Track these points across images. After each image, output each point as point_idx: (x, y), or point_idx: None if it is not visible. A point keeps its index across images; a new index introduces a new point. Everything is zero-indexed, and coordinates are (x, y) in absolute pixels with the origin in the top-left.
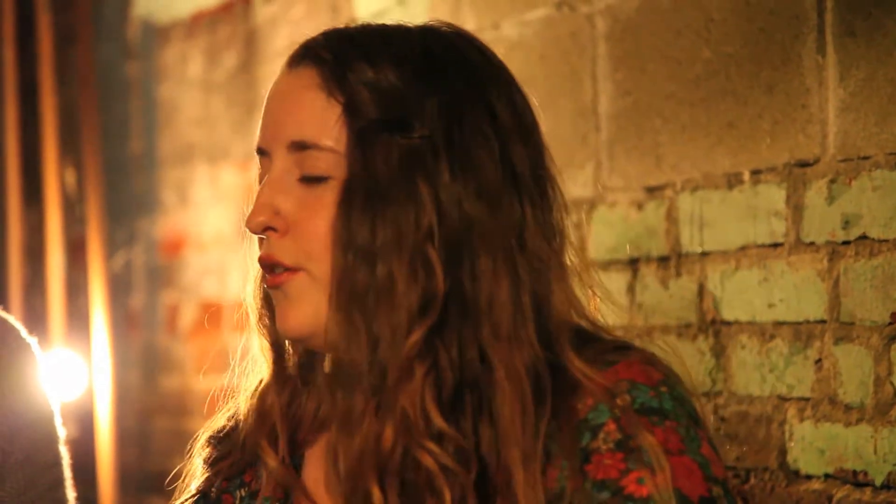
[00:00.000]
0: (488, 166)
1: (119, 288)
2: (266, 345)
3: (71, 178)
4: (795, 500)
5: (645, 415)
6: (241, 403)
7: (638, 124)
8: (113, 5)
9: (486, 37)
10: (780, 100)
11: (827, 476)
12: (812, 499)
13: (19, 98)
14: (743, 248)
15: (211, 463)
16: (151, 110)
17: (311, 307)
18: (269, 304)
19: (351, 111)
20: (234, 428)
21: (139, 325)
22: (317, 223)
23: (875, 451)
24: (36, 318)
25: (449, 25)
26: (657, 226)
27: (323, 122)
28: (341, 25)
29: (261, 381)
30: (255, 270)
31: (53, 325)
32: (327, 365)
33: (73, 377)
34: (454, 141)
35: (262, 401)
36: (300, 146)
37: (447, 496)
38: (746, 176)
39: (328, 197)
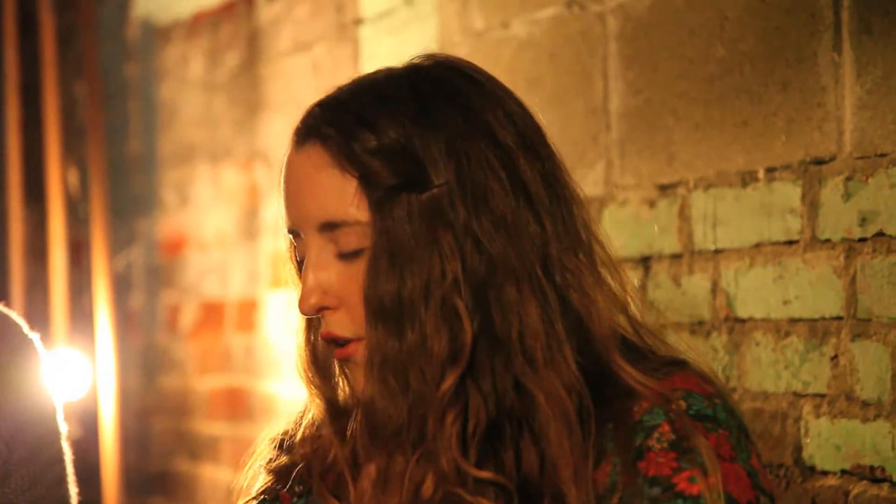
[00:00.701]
0: (500, 196)
1: (118, 288)
2: (320, 404)
3: (73, 177)
4: (811, 496)
5: (699, 421)
6: (304, 415)
7: (650, 123)
8: (112, 6)
9: (495, 36)
10: (795, 98)
11: (843, 472)
12: (828, 495)
13: (21, 97)
14: (757, 246)
15: (274, 470)
16: (151, 111)
17: None
18: (318, 365)
19: (366, 182)
20: (299, 440)
21: (138, 325)
22: (360, 295)
23: (893, 447)
24: (38, 317)
25: (431, 58)
26: (669, 224)
27: (343, 198)
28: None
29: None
30: (300, 336)
31: (56, 324)
32: (360, 422)
33: (76, 377)
34: (465, 180)
35: (315, 441)
36: (329, 226)
37: None
38: (761, 174)
39: (363, 267)
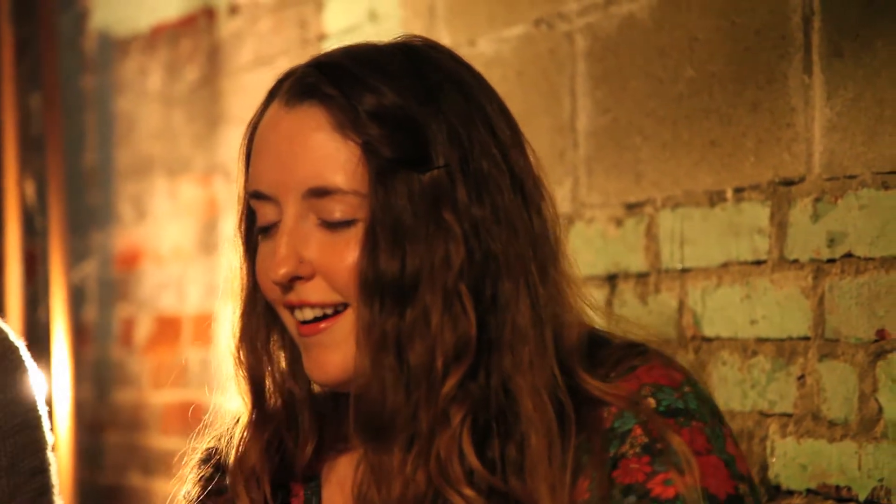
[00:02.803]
0: (502, 188)
1: (72, 301)
2: (245, 387)
3: (30, 189)
4: None
5: (671, 416)
6: (231, 430)
7: (618, 141)
8: (69, 17)
9: (462, 53)
10: (764, 119)
11: (809, 492)
12: None
13: None
14: (724, 265)
15: (208, 485)
16: (108, 123)
17: (350, 350)
18: (251, 343)
19: (369, 151)
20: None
21: (91, 338)
22: (347, 265)
23: (859, 467)
24: None
25: (420, 38)
26: (636, 242)
27: (341, 165)
28: (316, 50)
29: (240, 420)
30: (238, 310)
31: None
32: (353, 409)
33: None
34: (468, 166)
35: (242, 445)
36: (320, 192)
37: None
38: (729, 194)
39: (356, 239)
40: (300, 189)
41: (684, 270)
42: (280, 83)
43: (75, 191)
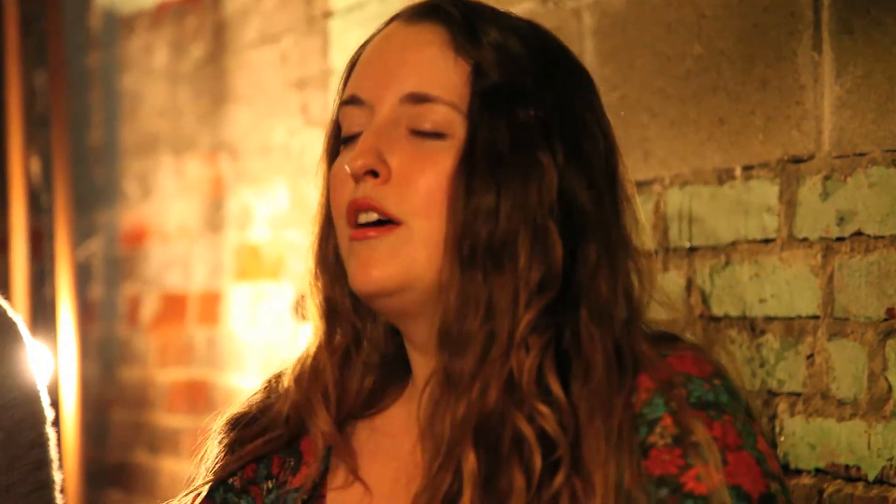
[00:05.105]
0: (596, 162)
1: (78, 279)
2: (320, 309)
3: (35, 167)
4: None
5: (702, 409)
6: (283, 379)
7: (625, 119)
8: None
9: None
10: (773, 96)
11: (818, 471)
12: (803, 493)
13: None
14: (733, 244)
15: (231, 448)
16: (113, 101)
17: (402, 264)
18: (326, 265)
19: (478, 74)
20: (262, 412)
21: (97, 316)
22: (429, 178)
23: (868, 446)
24: None
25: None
26: (644, 220)
27: (448, 78)
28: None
29: (309, 348)
30: (315, 230)
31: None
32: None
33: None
34: (567, 132)
35: (316, 362)
36: (419, 98)
37: (538, 463)
38: (738, 171)
39: (444, 154)
40: (399, 93)
41: (692, 249)
42: (408, 7)
43: (81, 168)
